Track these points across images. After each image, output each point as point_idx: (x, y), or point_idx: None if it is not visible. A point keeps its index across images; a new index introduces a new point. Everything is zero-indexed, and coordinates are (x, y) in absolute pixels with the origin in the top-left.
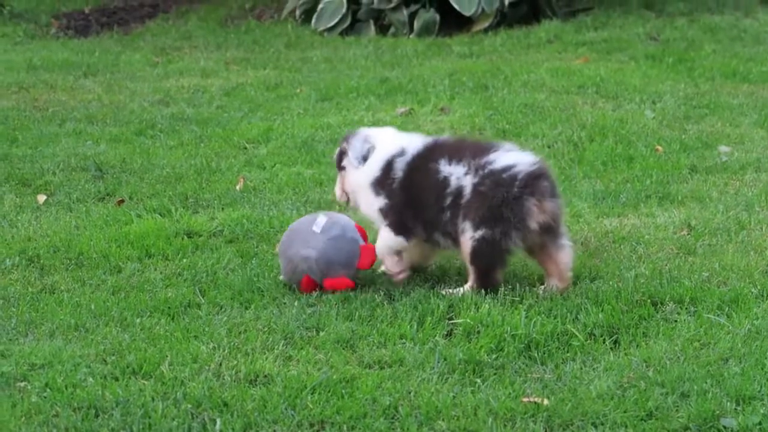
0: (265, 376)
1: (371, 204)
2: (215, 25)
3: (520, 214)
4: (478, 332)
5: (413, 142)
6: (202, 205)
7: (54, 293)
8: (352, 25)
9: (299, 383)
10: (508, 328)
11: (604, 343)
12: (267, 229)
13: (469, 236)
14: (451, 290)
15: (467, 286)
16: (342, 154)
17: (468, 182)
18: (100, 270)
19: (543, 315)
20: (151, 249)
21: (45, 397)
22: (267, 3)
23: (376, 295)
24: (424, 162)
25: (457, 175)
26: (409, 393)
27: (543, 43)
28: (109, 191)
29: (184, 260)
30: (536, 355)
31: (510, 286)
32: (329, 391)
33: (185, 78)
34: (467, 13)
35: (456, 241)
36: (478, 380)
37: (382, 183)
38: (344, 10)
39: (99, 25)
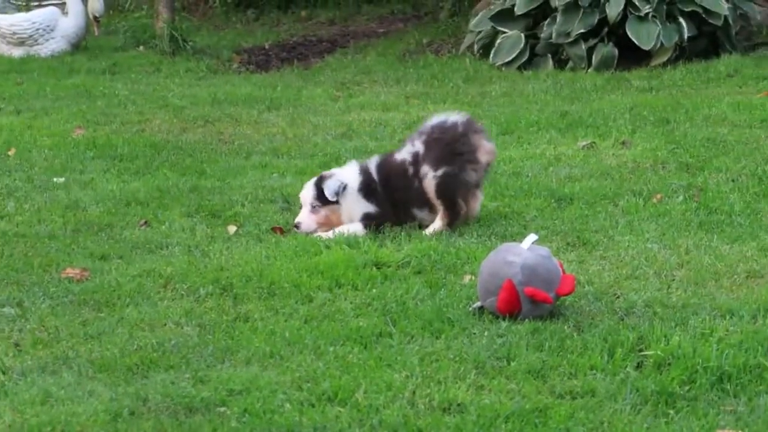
0: (459, 405)
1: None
2: (394, 60)
3: (471, 147)
4: (669, 364)
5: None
6: (389, 237)
7: (248, 321)
8: (530, 59)
9: (492, 412)
10: (700, 360)
11: None
12: (454, 261)
13: (431, 176)
14: (429, 230)
15: (438, 225)
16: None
17: (419, 146)
18: (291, 299)
19: (734, 347)
20: (340, 279)
21: (244, 422)
22: (444, 38)
23: (565, 326)
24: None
25: (408, 151)
26: (602, 423)
27: (723, 77)
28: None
29: (374, 290)
30: (729, 387)
31: (700, 318)
32: (522, 421)
33: (366, 112)
34: (646, 47)
35: (431, 207)
36: (671, 412)
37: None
38: (522, 44)
39: (279, 60)
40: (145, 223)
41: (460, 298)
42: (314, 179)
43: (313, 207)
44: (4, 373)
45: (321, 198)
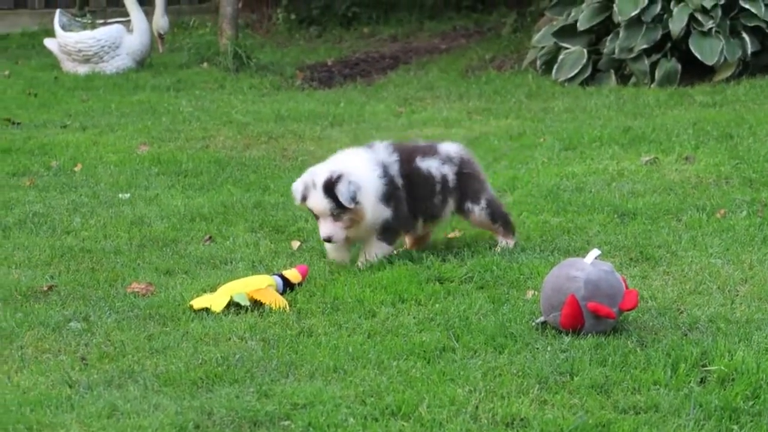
0: (522, 419)
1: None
2: (456, 76)
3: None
4: (733, 379)
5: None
6: (451, 252)
7: (312, 336)
8: (593, 75)
9: (555, 427)
10: (764, 376)
11: None
12: (516, 276)
13: (478, 210)
14: (499, 247)
15: (508, 242)
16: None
17: (447, 171)
18: (355, 314)
19: None
20: (404, 294)
21: None
22: (507, 54)
23: (628, 341)
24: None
25: (436, 167)
26: None
27: None
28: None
29: (437, 305)
30: None
31: (764, 333)
32: None
33: (429, 128)
34: (709, 62)
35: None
36: (735, 427)
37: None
38: (585, 60)
39: (342, 76)
40: (210, 238)
41: (523, 313)
42: (321, 184)
43: (334, 216)
44: (70, 387)
45: (340, 205)
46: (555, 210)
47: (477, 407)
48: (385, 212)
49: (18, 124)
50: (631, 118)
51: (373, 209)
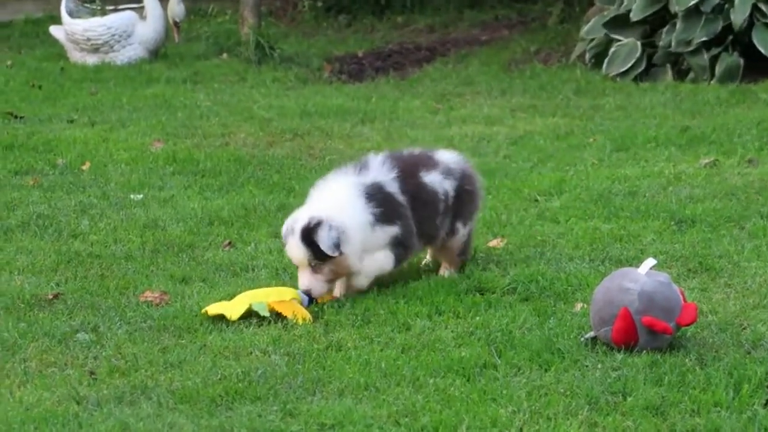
0: None
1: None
2: (498, 70)
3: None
4: None
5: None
6: (492, 260)
7: (341, 350)
8: (647, 69)
9: None
10: None
11: None
12: (564, 287)
13: (463, 233)
14: (443, 273)
15: (452, 272)
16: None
17: (448, 187)
18: (387, 327)
19: None
20: (441, 306)
21: None
22: (553, 46)
23: (686, 359)
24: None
25: (438, 182)
26: None
27: None
28: None
29: (477, 318)
30: None
31: None
32: None
33: (468, 125)
34: None
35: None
36: None
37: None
38: (638, 53)
39: (373, 69)
40: (229, 243)
41: (571, 328)
42: (299, 229)
43: (313, 266)
44: (78, 404)
45: (319, 256)
46: (606, 216)
47: (521, 429)
48: (390, 230)
49: (21, 118)
50: (689, 116)
51: (365, 245)
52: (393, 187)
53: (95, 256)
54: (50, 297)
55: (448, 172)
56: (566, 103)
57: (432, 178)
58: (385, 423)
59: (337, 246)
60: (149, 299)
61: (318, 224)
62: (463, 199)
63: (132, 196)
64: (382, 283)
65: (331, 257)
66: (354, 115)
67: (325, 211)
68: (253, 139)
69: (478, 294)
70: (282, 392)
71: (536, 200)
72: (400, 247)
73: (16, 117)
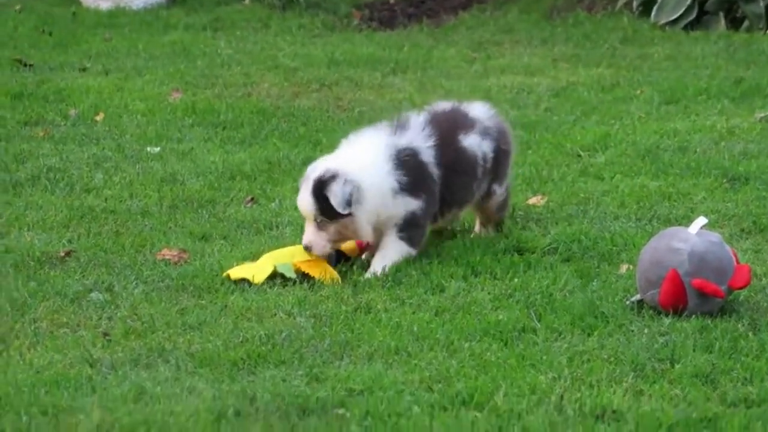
0: (614, 412)
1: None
2: (539, 18)
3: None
4: None
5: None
6: (532, 219)
7: (370, 312)
8: (699, 17)
9: (653, 421)
10: None
11: None
12: (609, 247)
13: (500, 192)
14: (480, 232)
15: (488, 231)
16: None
17: (486, 147)
18: (420, 288)
19: None
20: (477, 266)
21: (366, 426)
22: None
23: (738, 325)
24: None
25: (477, 144)
26: None
27: None
28: None
29: (515, 280)
30: None
31: None
32: (689, 431)
33: (507, 76)
34: None
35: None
36: None
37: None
38: (689, 0)
39: (406, 17)
40: (252, 199)
41: (616, 290)
42: (311, 181)
43: (319, 222)
44: (91, 366)
45: (326, 212)
46: (654, 172)
47: (562, 397)
48: (411, 204)
49: (30, 66)
50: (743, 68)
51: (380, 211)
52: (428, 156)
53: (109, 212)
54: (62, 254)
55: (485, 132)
56: (612, 53)
57: (470, 141)
58: (417, 389)
59: (348, 203)
60: (167, 257)
61: (333, 177)
62: (500, 160)
63: (149, 148)
64: None
65: (338, 216)
66: (385, 65)
67: (346, 165)
68: (277, 89)
69: (516, 254)
70: (308, 356)
71: (579, 156)
72: (413, 228)
73: (25, 65)
